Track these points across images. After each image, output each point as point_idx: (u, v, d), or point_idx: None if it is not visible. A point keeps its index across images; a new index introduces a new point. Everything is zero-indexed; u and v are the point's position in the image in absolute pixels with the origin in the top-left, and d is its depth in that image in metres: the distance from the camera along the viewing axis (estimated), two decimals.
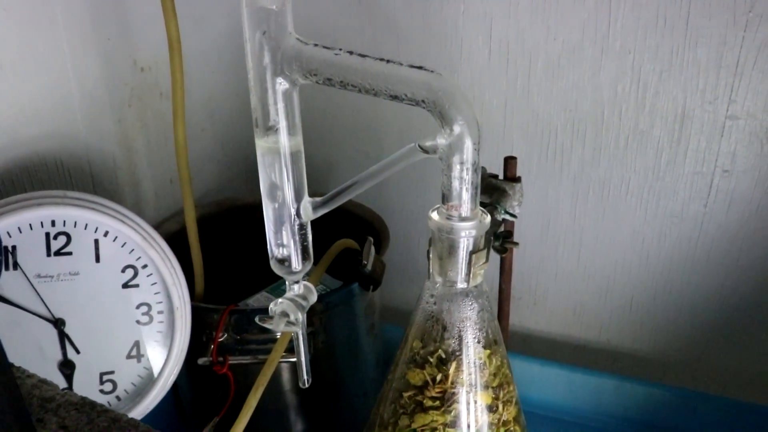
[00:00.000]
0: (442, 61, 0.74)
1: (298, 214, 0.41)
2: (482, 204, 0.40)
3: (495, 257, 0.58)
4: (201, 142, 0.78)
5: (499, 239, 0.44)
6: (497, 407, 0.43)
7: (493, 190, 0.47)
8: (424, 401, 0.42)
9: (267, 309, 0.44)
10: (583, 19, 0.67)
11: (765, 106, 0.65)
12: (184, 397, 0.67)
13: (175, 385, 0.66)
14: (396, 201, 0.83)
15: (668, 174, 0.71)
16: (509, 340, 0.44)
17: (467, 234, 0.37)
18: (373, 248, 0.54)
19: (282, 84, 0.38)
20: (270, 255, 0.43)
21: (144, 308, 0.56)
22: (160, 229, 0.64)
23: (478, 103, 0.75)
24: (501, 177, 0.51)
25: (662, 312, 0.77)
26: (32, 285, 0.50)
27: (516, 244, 0.43)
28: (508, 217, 0.45)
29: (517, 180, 0.48)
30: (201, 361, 0.58)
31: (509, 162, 0.49)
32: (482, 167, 0.48)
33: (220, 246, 0.72)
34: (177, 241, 0.61)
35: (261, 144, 0.40)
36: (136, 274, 0.55)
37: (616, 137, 0.71)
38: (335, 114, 0.83)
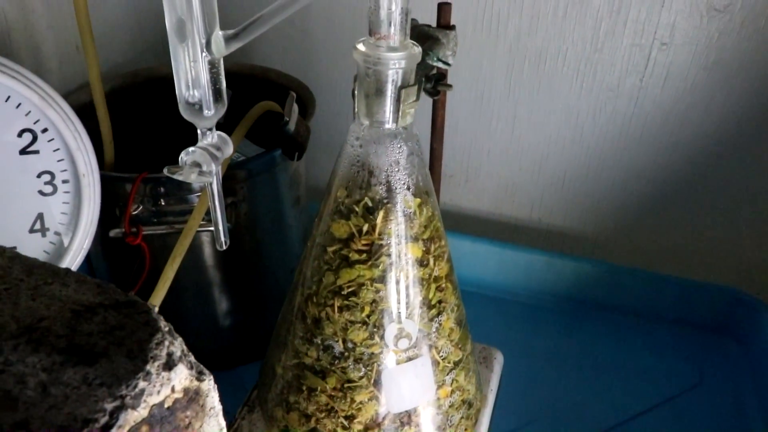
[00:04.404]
0: None
1: (208, 47, 0.37)
2: None
3: (426, 117, 0.55)
4: (110, 9, 0.71)
5: (431, 81, 0.41)
6: (428, 261, 0.40)
7: (425, 38, 0.43)
8: (350, 255, 0.39)
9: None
10: None
11: None
12: (99, 274, 0.63)
13: (90, 262, 0.62)
14: (324, 74, 0.79)
15: (606, 45, 0.69)
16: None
17: (396, 65, 0.34)
18: (296, 106, 0.50)
19: None
20: (179, 99, 0.39)
21: (46, 177, 0.51)
22: (67, 99, 0.58)
23: None
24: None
25: (594, 189, 0.77)
26: None
27: (450, 86, 0.40)
28: (441, 65, 0.41)
29: (452, 28, 0.44)
30: (113, 233, 0.54)
31: (443, 8, 0.45)
32: (413, 18, 0.45)
33: (136, 118, 0.67)
34: (88, 113, 0.56)
35: None
36: (35, 139, 0.50)
37: (555, 5, 0.68)
38: None
